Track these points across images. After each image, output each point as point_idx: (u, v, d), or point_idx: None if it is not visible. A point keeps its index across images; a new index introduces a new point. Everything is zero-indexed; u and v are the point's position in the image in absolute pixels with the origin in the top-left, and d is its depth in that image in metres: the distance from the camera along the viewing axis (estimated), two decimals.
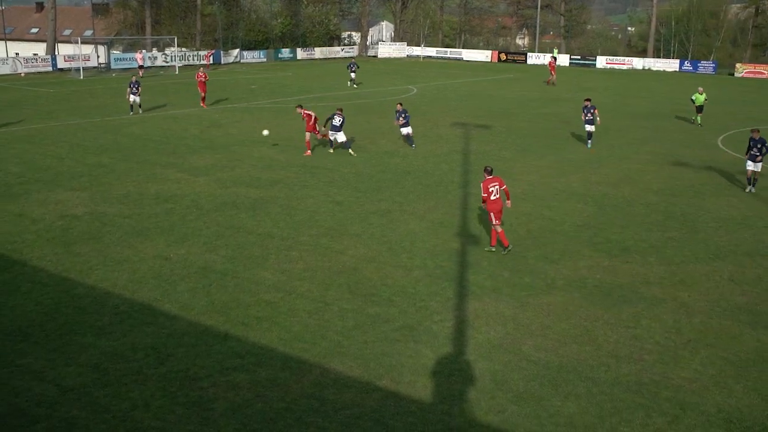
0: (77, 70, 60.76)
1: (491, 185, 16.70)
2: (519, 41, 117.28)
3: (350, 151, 28.13)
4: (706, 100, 38.55)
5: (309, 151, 28.03)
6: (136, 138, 30.97)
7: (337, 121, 27.72)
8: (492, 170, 17.33)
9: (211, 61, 70.27)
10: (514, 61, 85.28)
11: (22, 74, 60.23)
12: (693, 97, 37.96)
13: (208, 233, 18.07)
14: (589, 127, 30.43)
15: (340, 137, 27.86)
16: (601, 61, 79.54)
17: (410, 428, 9.77)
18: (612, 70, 76.54)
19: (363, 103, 43.92)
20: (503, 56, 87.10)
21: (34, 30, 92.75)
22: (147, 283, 14.71)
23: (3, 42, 68.70)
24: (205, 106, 40.82)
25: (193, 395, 10.43)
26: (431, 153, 28.89)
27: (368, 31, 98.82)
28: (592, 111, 30.04)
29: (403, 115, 29.63)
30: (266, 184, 23.18)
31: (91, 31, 76.82)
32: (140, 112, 37.86)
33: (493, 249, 17.00)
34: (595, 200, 22.08)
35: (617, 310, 13.86)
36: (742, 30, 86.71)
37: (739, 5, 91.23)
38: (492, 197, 16.63)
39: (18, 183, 22.88)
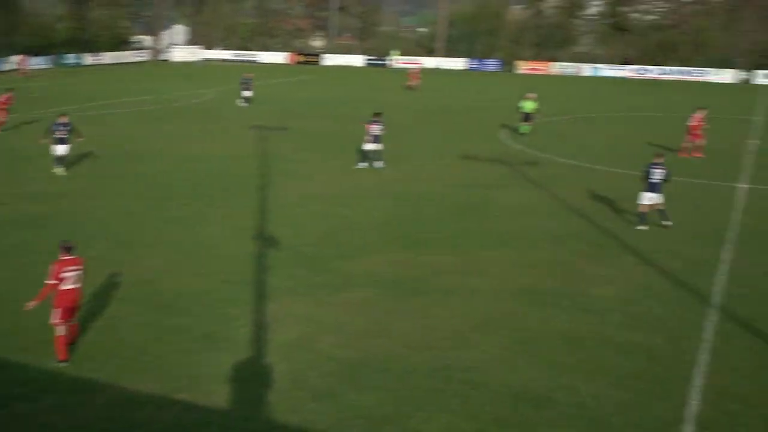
0: None
1: (67, 269, 11.39)
2: (315, 43, 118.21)
3: None
4: (537, 109, 34.96)
5: None
6: None
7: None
8: (72, 248, 11.78)
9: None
10: (309, 62, 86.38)
11: None
12: (520, 104, 34.62)
13: None
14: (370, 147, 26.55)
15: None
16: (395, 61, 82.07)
17: None
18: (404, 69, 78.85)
19: (152, 110, 42.57)
20: (300, 58, 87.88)
21: None
22: None
23: None
24: None
25: None
26: (232, 155, 28.36)
27: (161, 34, 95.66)
28: None
29: None
30: (52, 197, 21.72)
31: None
32: None
33: (66, 363, 11.42)
34: (392, 197, 22.66)
35: (410, 301, 14.32)
36: (522, 30, 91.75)
37: (520, 7, 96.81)
38: (64, 286, 11.36)
39: None
